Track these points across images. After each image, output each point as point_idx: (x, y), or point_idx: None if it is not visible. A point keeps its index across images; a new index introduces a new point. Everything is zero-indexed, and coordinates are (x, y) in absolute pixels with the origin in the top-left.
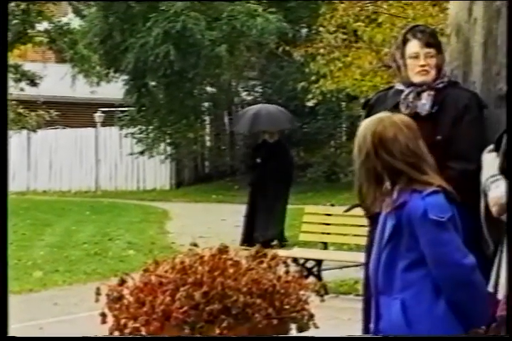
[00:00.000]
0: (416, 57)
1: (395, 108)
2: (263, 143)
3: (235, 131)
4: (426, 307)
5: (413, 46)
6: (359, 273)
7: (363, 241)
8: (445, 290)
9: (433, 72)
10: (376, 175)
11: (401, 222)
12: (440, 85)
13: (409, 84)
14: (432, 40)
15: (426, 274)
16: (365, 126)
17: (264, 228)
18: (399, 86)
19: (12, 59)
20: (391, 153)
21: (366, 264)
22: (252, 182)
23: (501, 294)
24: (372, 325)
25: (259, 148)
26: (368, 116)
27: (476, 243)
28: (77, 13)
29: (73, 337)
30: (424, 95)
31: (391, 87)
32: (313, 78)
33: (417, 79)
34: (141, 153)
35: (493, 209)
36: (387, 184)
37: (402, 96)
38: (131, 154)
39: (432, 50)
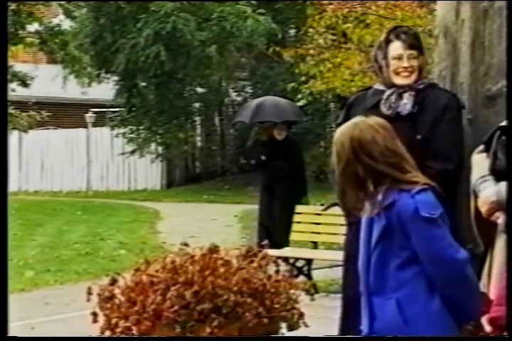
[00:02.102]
0: (399, 58)
1: (375, 108)
2: (271, 140)
3: (236, 120)
4: (421, 304)
5: (396, 47)
6: None
7: None
8: (440, 286)
9: (415, 74)
10: (359, 180)
11: (391, 221)
12: (420, 86)
13: (391, 85)
14: (415, 42)
15: (419, 272)
16: (341, 132)
17: (274, 233)
18: (379, 86)
19: None
20: (372, 156)
21: (345, 264)
22: (265, 183)
23: (492, 293)
24: (363, 327)
25: (265, 145)
26: (346, 116)
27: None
28: (68, 14)
29: (75, 337)
30: (406, 95)
31: (370, 87)
32: (302, 79)
33: (399, 80)
34: (132, 152)
35: (483, 209)
36: (371, 187)
37: (384, 96)
38: (123, 154)
39: (414, 52)
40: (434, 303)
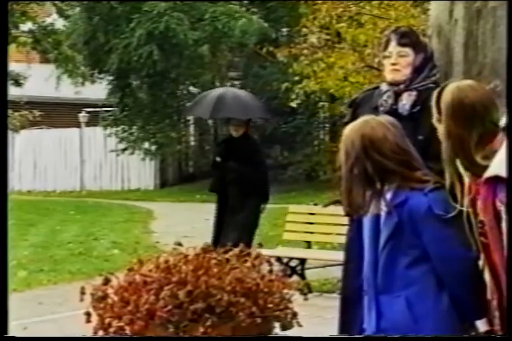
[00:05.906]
0: (390, 56)
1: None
2: (229, 138)
3: (192, 115)
4: (431, 302)
5: (390, 46)
6: None
7: None
8: (450, 284)
9: (405, 71)
10: (367, 177)
11: (402, 219)
12: (422, 88)
13: (388, 83)
14: (406, 40)
15: (428, 270)
16: (351, 129)
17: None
18: (383, 86)
19: None
20: (382, 153)
21: (345, 264)
22: (212, 188)
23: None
24: (367, 326)
25: (221, 144)
26: (353, 114)
27: None
28: (61, 13)
29: (73, 337)
30: (405, 95)
31: (377, 87)
32: (296, 78)
33: (388, 76)
34: (124, 150)
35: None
36: (378, 185)
37: (377, 92)
38: (114, 151)
39: (404, 50)
40: (443, 302)
